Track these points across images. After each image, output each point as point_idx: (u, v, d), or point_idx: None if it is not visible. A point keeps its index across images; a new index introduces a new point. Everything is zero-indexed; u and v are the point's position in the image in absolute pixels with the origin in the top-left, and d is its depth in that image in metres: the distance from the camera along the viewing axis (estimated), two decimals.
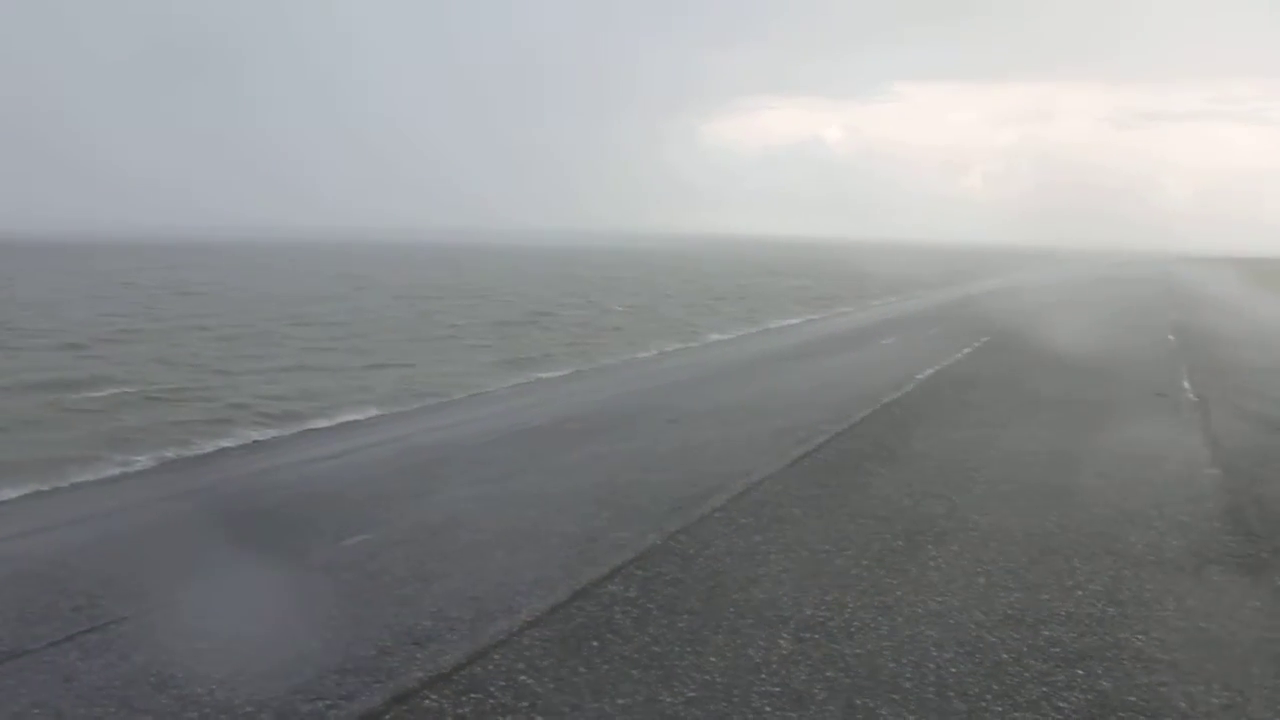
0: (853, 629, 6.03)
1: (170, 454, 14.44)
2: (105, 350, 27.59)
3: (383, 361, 26.04)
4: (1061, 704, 5.10)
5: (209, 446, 15.11)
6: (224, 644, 6.03)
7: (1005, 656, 5.66)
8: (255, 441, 15.53)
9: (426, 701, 5.10)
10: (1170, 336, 25.56)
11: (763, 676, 5.37)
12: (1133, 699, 5.16)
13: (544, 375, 23.58)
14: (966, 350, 21.42)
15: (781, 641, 5.84)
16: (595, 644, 5.81)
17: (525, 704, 5.05)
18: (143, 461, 14.00)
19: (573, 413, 16.62)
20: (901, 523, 8.30)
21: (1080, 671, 5.47)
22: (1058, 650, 5.75)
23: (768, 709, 5.02)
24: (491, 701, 5.09)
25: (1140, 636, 5.97)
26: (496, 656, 5.62)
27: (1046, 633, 6.00)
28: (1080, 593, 6.72)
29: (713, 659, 5.60)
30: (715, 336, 33.16)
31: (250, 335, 31.76)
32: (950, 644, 5.81)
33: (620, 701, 5.10)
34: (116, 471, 13.48)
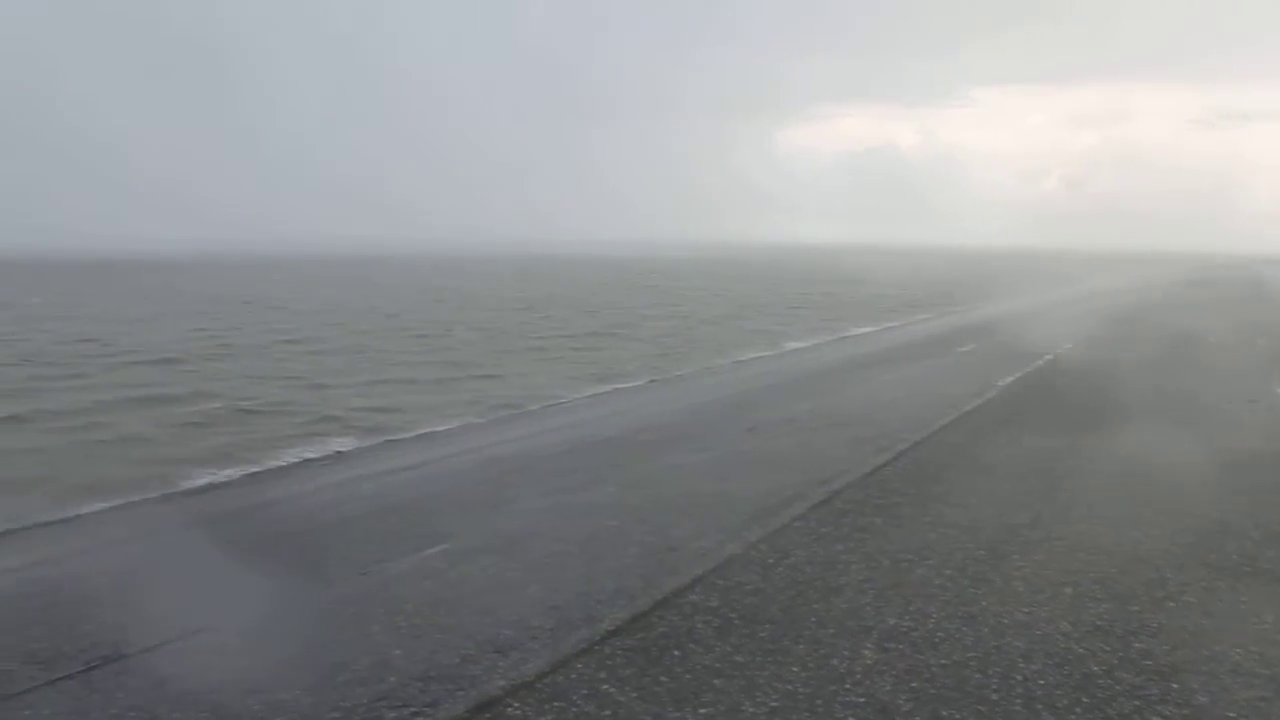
0: (937, 639, 5.94)
1: (255, 467, 14.72)
2: (201, 366, 28.18)
3: (465, 374, 26.34)
4: (1154, 718, 4.96)
5: (292, 458, 15.38)
6: (308, 651, 6.13)
7: (1095, 669, 5.53)
8: (338, 453, 15.77)
9: (510, 710, 5.12)
10: (1260, 341, 24.78)
11: (846, 687, 5.31)
12: (1232, 715, 5.00)
13: (621, 385, 23.65)
14: (1049, 356, 21.03)
15: (865, 651, 5.77)
16: (677, 653, 5.79)
17: (608, 713, 5.06)
18: (229, 473, 14.29)
19: (650, 422, 16.64)
20: (985, 532, 8.16)
21: (1175, 685, 5.32)
22: (1150, 663, 5.60)
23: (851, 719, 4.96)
24: (574, 710, 5.10)
25: (1238, 650, 5.79)
26: (579, 665, 5.63)
27: (1138, 645, 5.85)
28: (1173, 604, 6.54)
29: (795, 669, 5.55)
30: (793, 345, 32.97)
31: (337, 349, 32.29)
32: (1038, 655, 5.69)
33: (702, 711, 5.07)
34: (204, 482, 13.77)
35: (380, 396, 22.34)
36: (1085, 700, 5.14)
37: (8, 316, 43.03)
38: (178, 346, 31.89)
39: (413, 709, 5.19)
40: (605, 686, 5.35)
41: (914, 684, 5.33)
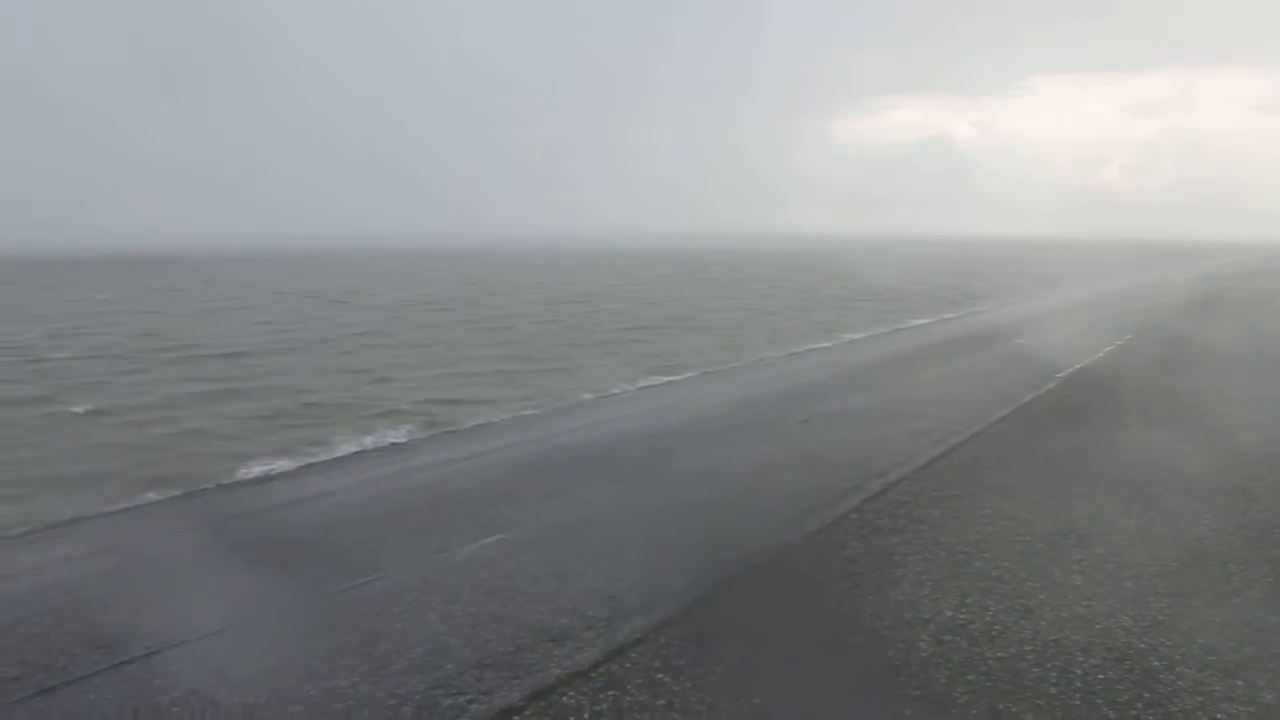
0: (994, 632, 5.86)
1: (313, 458, 14.88)
2: (267, 360, 28.59)
3: (528, 367, 26.54)
4: (1219, 715, 4.85)
5: (352, 448, 15.53)
6: (364, 639, 6.18)
7: (1157, 664, 5.42)
8: (392, 444, 15.90)
9: (565, 698, 5.14)
10: None
11: (902, 679, 5.26)
12: None
13: (676, 377, 23.62)
14: (1108, 348, 20.66)
15: (921, 644, 5.71)
16: (731, 644, 5.77)
17: (662, 702, 5.05)
18: (283, 464, 14.45)
19: (705, 414, 16.60)
20: (1043, 524, 8.04)
21: (1240, 682, 5.19)
22: (1214, 659, 5.47)
23: (907, 712, 4.90)
24: (629, 699, 5.09)
25: None
26: (634, 655, 5.64)
27: (1201, 640, 5.72)
28: (1238, 599, 6.38)
29: (851, 661, 5.50)
30: (849, 336, 32.73)
31: (400, 343, 32.63)
32: (1097, 649, 5.59)
33: (756, 701, 5.05)
34: (260, 471, 13.95)
35: (442, 389, 22.58)
36: (1146, 695, 5.04)
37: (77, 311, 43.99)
38: (244, 340, 32.38)
39: (468, 696, 5.22)
40: (660, 676, 5.35)
41: (970, 677, 5.26)
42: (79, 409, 20.54)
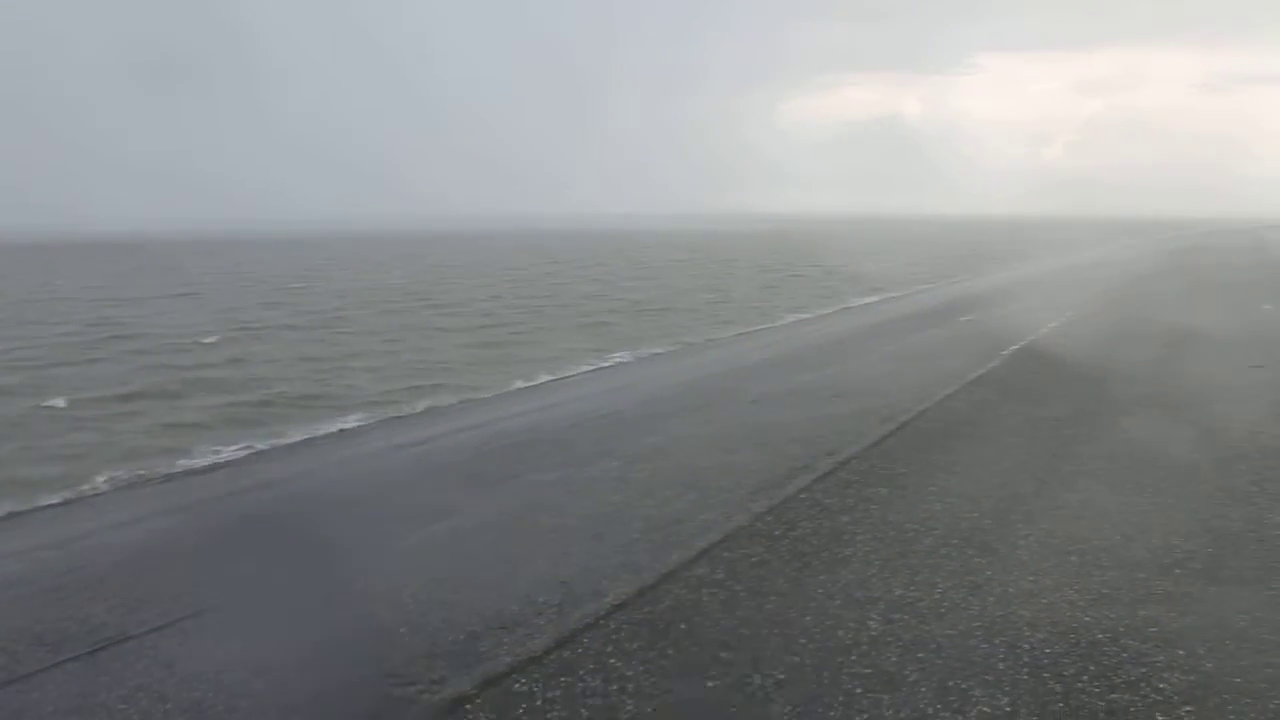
0: (943, 609, 5.93)
1: (262, 444, 14.71)
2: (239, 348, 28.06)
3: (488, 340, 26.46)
4: (1162, 685, 4.95)
5: (299, 436, 15.36)
6: (312, 633, 6.12)
7: (1101, 636, 5.52)
8: (341, 430, 15.73)
9: (517, 685, 5.13)
10: (1267, 306, 24.61)
11: (853, 658, 5.31)
12: (1238, 680, 4.98)
13: (621, 358, 23.63)
14: (1054, 324, 20.95)
15: (871, 623, 5.76)
16: (683, 626, 5.79)
17: (615, 687, 5.06)
18: (235, 450, 14.28)
19: (653, 395, 16.61)
20: (989, 501, 8.14)
21: (1181, 652, 5.30)
22: (1156, 630, 5.58)
23: (859, 690, 4.95)
24: (581, 685, 5.10)
25: (1242, 616, 5.76)
26: (585, 640, 5.64)
27: (1144, 612, 5.83)
28: (1180, 571, 6.52)
29: (802, 641, 5.54)
30: (794, 316, 32.88)
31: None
32: (1044, 624, 5.68)
33: (710, 684, 5.07)
34: (206, 462, 13.78)
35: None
36: (1091, 669, 5.13)
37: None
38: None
39: (419, 686, 5.19)
40: (613, 660, 5.36)
41: (920, 655, 5.32)
42: None
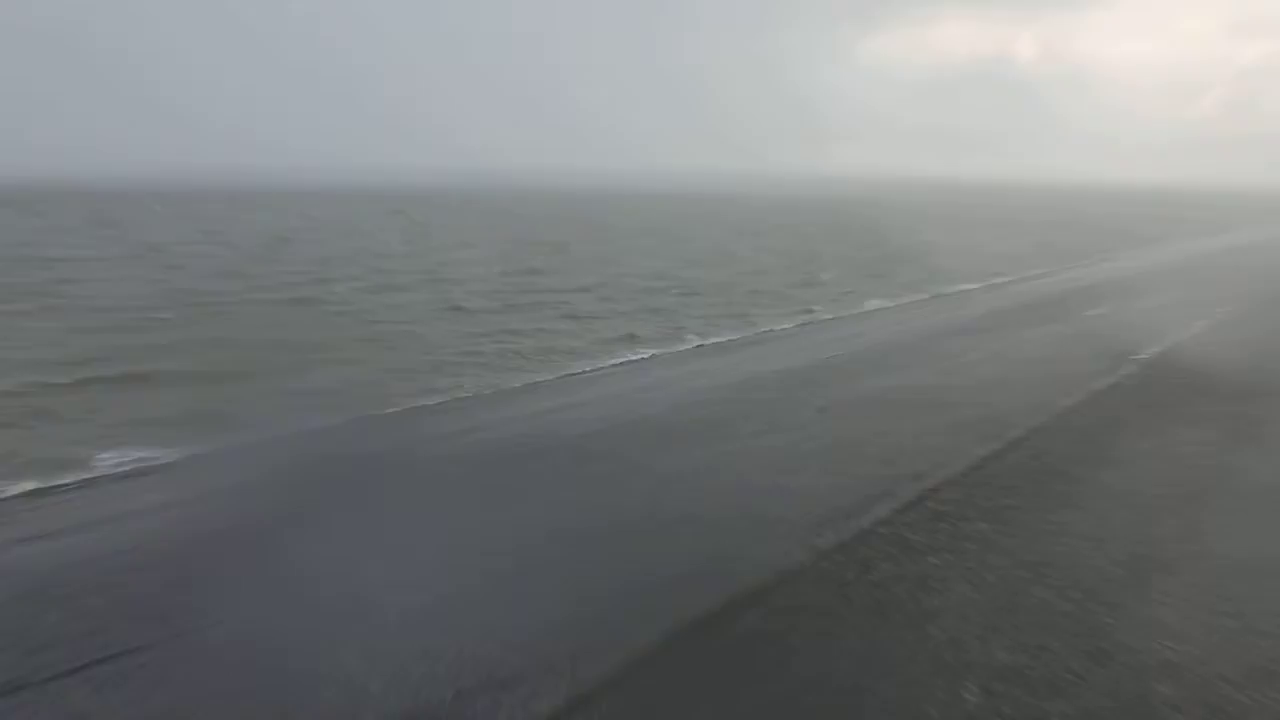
0: (1060, 682, 5.82)
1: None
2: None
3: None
4: None
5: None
6: (268, 678, 6.09)
7: None
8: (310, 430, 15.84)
9: None
10: None
11: None
12: None
13: (659, 352, 23.67)
14: (1203, 323, 20.77)
15: (966, 695, 5.67)
16: (731, 688, 5.72)
17: None
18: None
19: (700, 397, 16.52)
20: (1121, 544, 8.03)
21: None
22: None
23: None
24: None
25: None
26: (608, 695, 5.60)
27: None
28: None
29: (879, 717, 5.44)
30: (876, 303, 32.79)
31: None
32: (1192, 705, 5.56)
33: None
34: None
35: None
36: None
37: None
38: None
39: None
40: None
41: None
42: None
